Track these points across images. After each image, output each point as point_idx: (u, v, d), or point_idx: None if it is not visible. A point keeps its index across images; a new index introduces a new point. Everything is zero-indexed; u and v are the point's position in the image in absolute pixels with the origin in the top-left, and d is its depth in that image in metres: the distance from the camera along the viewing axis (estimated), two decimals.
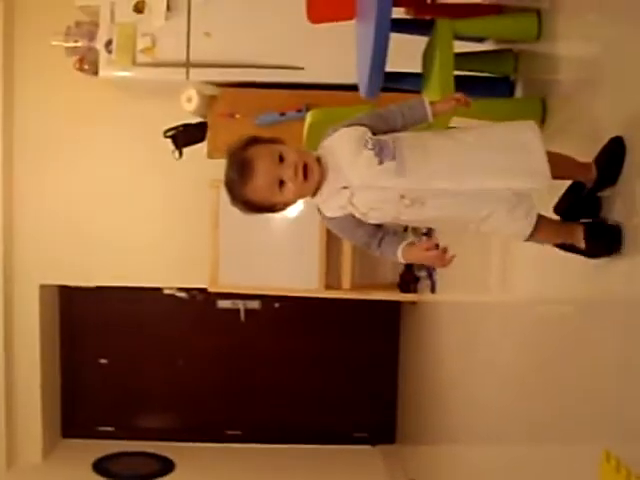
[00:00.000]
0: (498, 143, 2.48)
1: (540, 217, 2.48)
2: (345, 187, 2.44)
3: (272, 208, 2.54)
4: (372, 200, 2.44)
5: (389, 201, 2.43)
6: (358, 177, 2.42)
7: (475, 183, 2.40)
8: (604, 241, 2.50)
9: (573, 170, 2.63)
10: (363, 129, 2.47)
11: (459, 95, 2.60)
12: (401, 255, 2.49)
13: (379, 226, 2.52)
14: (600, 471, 2.53)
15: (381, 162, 2.40)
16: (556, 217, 2.66)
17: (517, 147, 2.45)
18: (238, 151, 2.47)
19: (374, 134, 2.47)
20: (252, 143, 2.48)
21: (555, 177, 2.45)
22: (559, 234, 2.60)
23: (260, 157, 2.42)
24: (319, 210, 2.56)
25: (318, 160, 2.47)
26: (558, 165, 2.48)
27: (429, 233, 5.20)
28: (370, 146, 2.41)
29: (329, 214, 2.52)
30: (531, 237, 2.49)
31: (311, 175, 2.44)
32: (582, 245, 2.54)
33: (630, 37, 2.57)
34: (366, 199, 2.44)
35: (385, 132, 2.50)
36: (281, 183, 2.43)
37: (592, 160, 2.58)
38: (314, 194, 2.50)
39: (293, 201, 2.51)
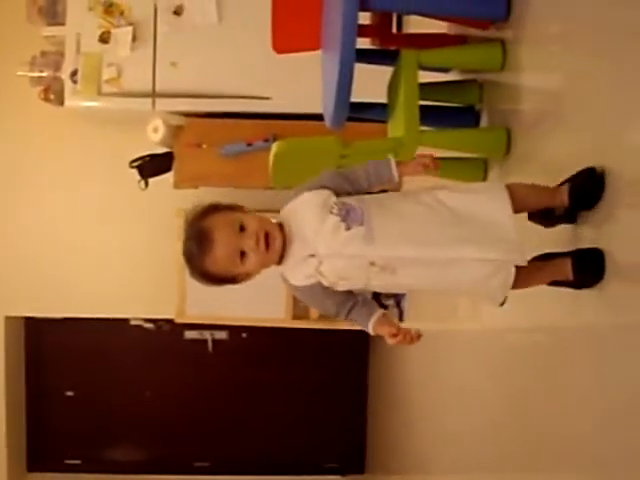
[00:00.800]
0: (467, 212, 2.36)
1: (520, 270, 2.37)
2: (312, 255, 2.33)
3: (234, 280, 2.42)
4: (341, 268, 2.33)
5: (358, 268, 2.32)
6: (324, 245, 2.31)
7: (447, 253, 2.31)
8: (591, 269, 2.38)
9: (541, 200, 2.55)
10: (327, 193, 2.37)
11: (428, 160, 2.51)
12: (372, 331, 2.41)
13: (349, 293, 2.41)
14: None
15: (348, 228, 2.29)
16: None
17: (488, 218, 2.35)
18: (196, 220, 2.36)
19: (338, 196, 2.37)
20: (210, 211, 2.37)
21: (523, 210, 2.47)
22: (544, 275, 2.52)
23: (219, 227, 2.31)
24: (284, 278, 2.44)
25: (281, 226, 2.37)
26: (525, 199, 2.47)
27: None
28: (336, 212, 2.31)
29: (295, 283, 2.41)
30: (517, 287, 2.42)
31: (273, 244, 2.33)
32: (570, 278, 2.45)
33: (592, 69, 2.58)
34: (334, 267, 2.32)
35: (350, 193, 2.41)
36: (242, 254, 2.32)
37: (563, 185, 2.50)
38: (279, 262, 2.39)
39: (256, 272, 2.40)
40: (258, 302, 5.88)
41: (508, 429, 3.34)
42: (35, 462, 7.09)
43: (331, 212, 2.31)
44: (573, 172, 2.50)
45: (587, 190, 2.41)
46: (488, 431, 3.63)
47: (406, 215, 2.35)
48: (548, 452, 2.87)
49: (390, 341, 2.38)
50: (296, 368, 6.94)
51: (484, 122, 3.69)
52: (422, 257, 2.30)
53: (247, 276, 2.41)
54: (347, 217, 2.30)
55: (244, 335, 6.86)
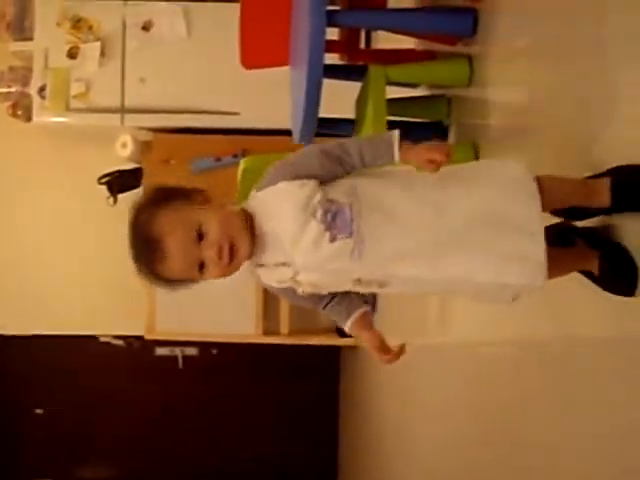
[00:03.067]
0: (490, 214, 1.90)
1: None
2: (286, 264, 1.94)
3: (193, 282, 2.03)
4: (320, 281, 1.95)
5: (341, 282, 1.96)
6: (303, 257, 1.89)
7: (457, 272, 1.88)
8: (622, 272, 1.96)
9: (574, 198, 2.07)
10: (312, 186, 1.89)
11: (439, 155, 1.91)
12: (349, 331, 2.13)
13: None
14: None
15: (333, 239, 1.86)
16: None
17: (513, 224, 1.89)
18: (143, 219, 1.96)
19: (325, 183, 1.92)
20: (159, 205, 1.95)
21: (548, 209, 2.04)
22: (564, 269, 2.11)
23: (172, 233, 1.90)
24: (252, 271, 2.05)
25: (249, 218, 1.95)
26: (555, 195, 2.02)
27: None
28: (320, 216, 1.86)
29: (266, 282, 2.04)
30: None
31: (238, 255, 1.92)
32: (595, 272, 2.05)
33: (559, 84, 2.59)
34: (312, 280, 1.94)
35: (338, 177, 1.95)
36: (201, 265, 1.93)
37: (601, 179, 2.05)
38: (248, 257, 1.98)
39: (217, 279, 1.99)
40: (228, 317, 5.87)
41: (477, 444, 3.34)
42: None
43: (314, 216, 1.86)
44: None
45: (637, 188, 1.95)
46: (457, 446, 3.63)
47: (407, 223, 1.88)
48: (515, 468, 2.87)
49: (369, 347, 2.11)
50: (267, 384, 6.92)
51: (452, 137, 3.70)
52: (419, 277, 1.90)
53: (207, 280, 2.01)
54: (333, 225, 1.86)
55: (214, 351, 6.83)
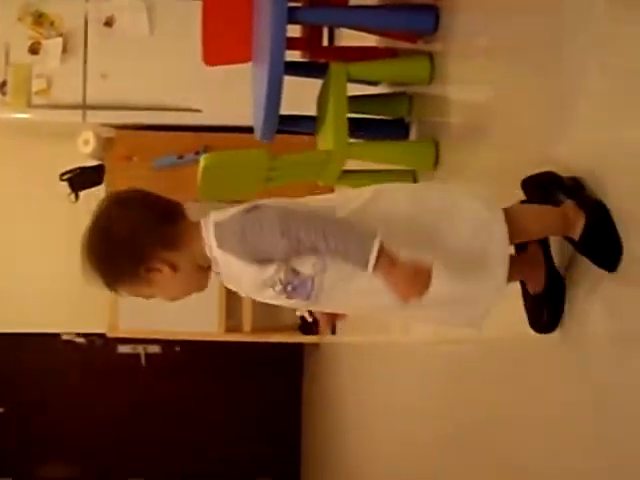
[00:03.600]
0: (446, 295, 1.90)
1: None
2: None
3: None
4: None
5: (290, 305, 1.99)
6: (255, 297, 1.98)
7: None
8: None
9: (550, 229, 2.05)
10: (274, 268, 1.85)
11: (422, 287, 1.77)
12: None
13: None
14: None
15: (289, 298, 1.90)
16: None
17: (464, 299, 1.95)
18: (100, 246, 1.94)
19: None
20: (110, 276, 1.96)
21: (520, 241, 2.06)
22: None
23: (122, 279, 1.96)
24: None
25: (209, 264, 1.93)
26: (527, 228, 2.00)
27: None
28: (279, 289, 1.87)
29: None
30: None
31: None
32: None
33: (520, 82, 2.60)
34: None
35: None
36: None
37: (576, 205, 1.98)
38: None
39: None
40: (191, 315, 5.83)
41: (439, 443, 3.35)
42: None
43: (273, 288, 1.88)
44: (497, 185, 2.50)
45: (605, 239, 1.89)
46: (419, 445, 3.64)
47: (364, 298, 1.93)
48: (479, 467, 2.88)
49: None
50: (230, 381, 6.91)
51: (413, 135, 3.71)
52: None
53: None
54: (292, 294, 1.88)
55: (177, 349, 6.81)
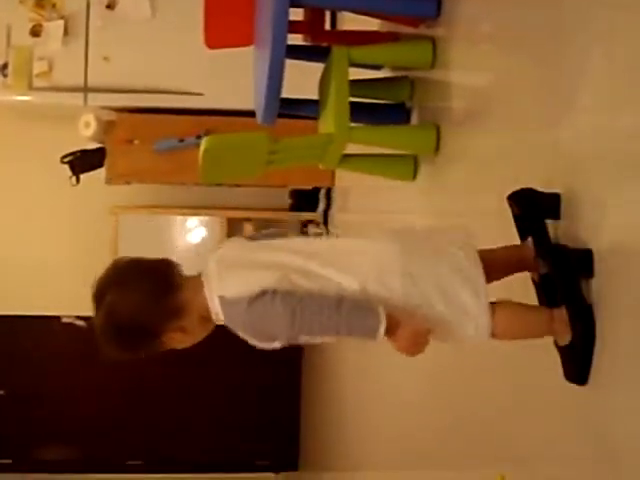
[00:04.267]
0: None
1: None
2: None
3: None
4: None
5: None
6: None
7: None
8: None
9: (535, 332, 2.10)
10: (277, 343, 2.00)
11: (422, 345, 1.99)
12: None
13: None
14: None
15: None
16: None
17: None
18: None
19: None
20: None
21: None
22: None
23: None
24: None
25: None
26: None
27: None
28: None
29: None
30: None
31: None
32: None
33: (521, 68, 2.61)
34: None
35: None
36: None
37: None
38: None
39: None
40: None
41: (436, 427, 3.37)
42: None
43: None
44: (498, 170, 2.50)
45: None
46: (416, 429, 3.65)
47: None
48: (474, 448, 2.90)
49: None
50: (229, 365, 6.90)
51: (415, 119, 3.71)
52: None
53: None
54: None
55: None
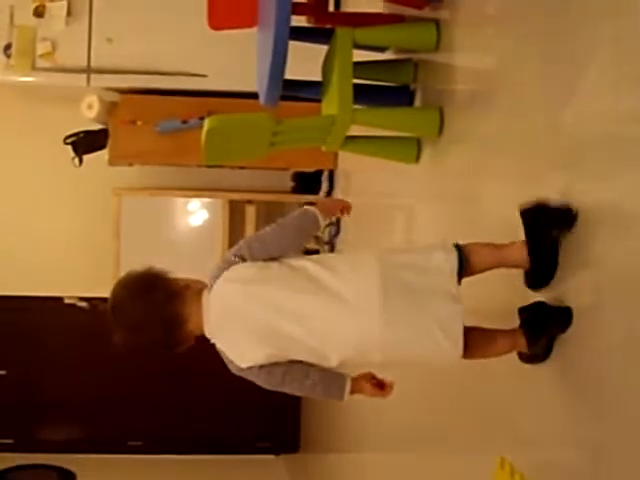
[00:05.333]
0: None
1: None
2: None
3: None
4: None
5: None
6: None
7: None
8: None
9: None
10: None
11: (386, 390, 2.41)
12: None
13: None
14: (495, 477, 2.56)
15: None
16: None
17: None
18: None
19: None
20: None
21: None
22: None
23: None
24: None
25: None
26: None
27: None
28: None
29: None
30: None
31: None
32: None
33: (525, 51, 2.60)
34: None
35: None
36: None
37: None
38: None
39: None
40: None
41: (437, 409, 3.38)
42: None
43: None
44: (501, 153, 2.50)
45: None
46: (418, 411, 3.66)
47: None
48: (475, 431, 2.91)
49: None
50: None
51: (418, 101, 3.70)
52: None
53: None
54: None
55: None
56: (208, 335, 2.36)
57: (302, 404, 7.05)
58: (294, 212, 2.41)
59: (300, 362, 2.29)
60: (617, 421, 1.93)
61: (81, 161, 5.62)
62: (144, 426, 7.03)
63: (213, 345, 2.36)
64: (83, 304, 6.74)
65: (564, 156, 2.25)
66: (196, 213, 6.19)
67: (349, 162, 5.22)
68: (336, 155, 5.55)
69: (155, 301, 2.32)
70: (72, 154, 5.63)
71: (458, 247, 2.24)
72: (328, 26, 3.85)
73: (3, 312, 6.72)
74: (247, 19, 3.83)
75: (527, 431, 2.44)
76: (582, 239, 2.11)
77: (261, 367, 2.30)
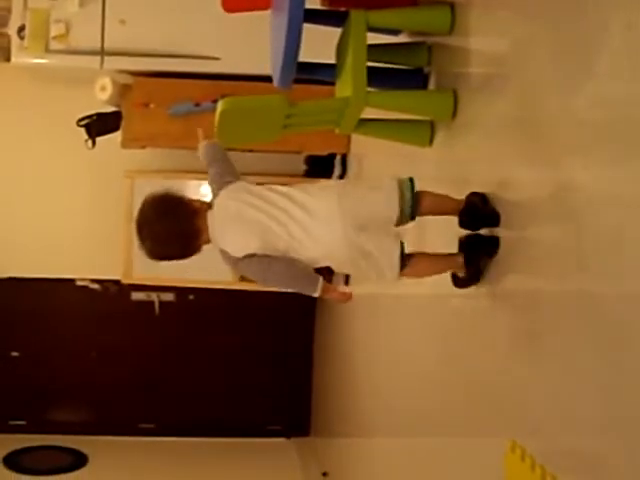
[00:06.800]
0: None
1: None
2: None
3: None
4: None
5: None
6: None
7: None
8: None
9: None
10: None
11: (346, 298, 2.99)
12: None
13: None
14: (506, 461, 2.57)
15: None
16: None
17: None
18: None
19: None
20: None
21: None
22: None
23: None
24: None
25: None
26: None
27: None
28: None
29: None
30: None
31: None
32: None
33: (539, 35, 2.60)
34: None
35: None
36: None
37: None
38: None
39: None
40: (206, 263, 5.82)
41: (447, 393, 3.39)
42: None
43: None
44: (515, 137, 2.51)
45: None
46: (428, 395, 3.67)
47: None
48: (485, 415, 2.92)
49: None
50: (242, 330, 6.94)
51: (432, 85, 3.70)
52: None
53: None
54: None
55: (191, 297, 6.83)
56: (213, 241, 2.88)
57: (313, 387, 7.06)
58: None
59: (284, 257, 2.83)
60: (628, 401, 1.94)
61: (94, 143, 5.63)
62: (156, 409, 7.07)
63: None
64: (95, 286, 6.77)
65: (579, 140, 2.24)
66: (208, 196, 6.18)
67: (362, 145, 5.21)
68: (349, 138, 5.54)
69: (180, 218, 2.90)
70: (85, 136, 5.64)
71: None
72: (342, 9, 3.84)
73: (17, 294, 6.75)
74: (261, 1, 3.83)
75: (538, 415, 2.44)
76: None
77: (253, 255, 2.81)
